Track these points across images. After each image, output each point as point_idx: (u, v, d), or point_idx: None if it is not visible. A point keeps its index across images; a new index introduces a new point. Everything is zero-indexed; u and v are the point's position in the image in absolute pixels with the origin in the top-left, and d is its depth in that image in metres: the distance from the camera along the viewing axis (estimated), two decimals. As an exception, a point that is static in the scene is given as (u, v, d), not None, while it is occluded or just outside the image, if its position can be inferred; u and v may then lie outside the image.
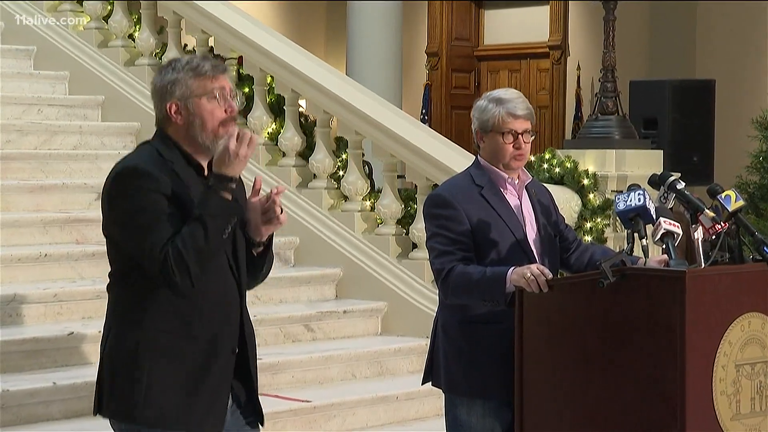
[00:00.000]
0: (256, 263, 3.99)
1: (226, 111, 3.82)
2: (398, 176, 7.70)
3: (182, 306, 3.75)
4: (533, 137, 4.49)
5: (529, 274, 4.17)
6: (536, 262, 4.36)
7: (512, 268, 4.22)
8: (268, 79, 7.95)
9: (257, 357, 4.02)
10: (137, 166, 3.74)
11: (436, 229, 4.41)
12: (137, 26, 8.57)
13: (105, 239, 3.86)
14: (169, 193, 3.71)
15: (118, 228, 3.75)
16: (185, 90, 3.80)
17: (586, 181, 7.94)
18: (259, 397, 4.02)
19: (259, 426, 4.04)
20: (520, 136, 4.42)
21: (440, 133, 7.98)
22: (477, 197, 4.42)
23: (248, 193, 3.96)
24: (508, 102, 4.43)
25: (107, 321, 3.84)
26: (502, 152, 4.43)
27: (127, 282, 3.78)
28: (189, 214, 3.69)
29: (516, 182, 4.50)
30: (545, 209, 4.57)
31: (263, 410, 4.02)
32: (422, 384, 4.64)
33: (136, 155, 3.83)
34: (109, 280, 3.87)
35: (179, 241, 3.65)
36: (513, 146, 4.41)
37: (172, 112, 3.82)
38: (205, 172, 3.84)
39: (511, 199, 4.48)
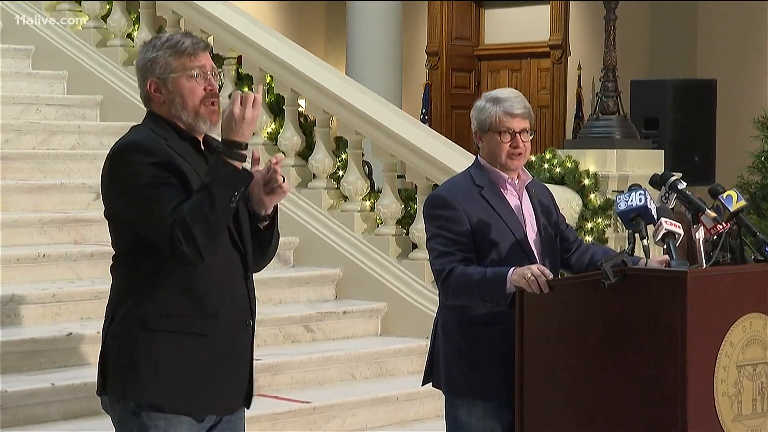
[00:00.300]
0: (264, 238, 3.91)
1: (205, 89, 3.79)
2: (398, 176, 7.68)
3: (188, 283, 3.70)
4: (532, 136, 4.47)
5: (529, 275, 4.15)
6: (536, 262, 4.34)
7: (512, 268, 4.21)
8: (268, 79, 7.93)
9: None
10: (135, 141, 3.72)
11: (436, 229, 4.39)
12: (136, 26, 8.55)
13: (108, 224, 3.81)
14: (170, 165, 3.68)
15: (123, 203, 3.71)
16: (164, 68, 3.78)
17: (586, 181, 7.92)
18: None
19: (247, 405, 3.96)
20: (517, 135, 4.40)
21: (440, 133, 7.96)
22: (477, 197, 4.40)
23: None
24: (505, 101, 4.41)
25: (111, 303, 3.80)
26: (499, 151, 4.41)
27: (133, 263, 3.74)
28: (190, 187, 3.66)
29: (516, 182, 4.48)
30: (546, 209, 4.55)
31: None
32: (422, 385, 4.63)
33: (131, 135, 3.80)
34: (112, 262, 3.83)
35: (186, 208, 3.60)
36: (510, 145, 4.40)
37: (152, 90, 3.80)
38: (202, 147, 3.82)
39: (512, 199, 4.46)
